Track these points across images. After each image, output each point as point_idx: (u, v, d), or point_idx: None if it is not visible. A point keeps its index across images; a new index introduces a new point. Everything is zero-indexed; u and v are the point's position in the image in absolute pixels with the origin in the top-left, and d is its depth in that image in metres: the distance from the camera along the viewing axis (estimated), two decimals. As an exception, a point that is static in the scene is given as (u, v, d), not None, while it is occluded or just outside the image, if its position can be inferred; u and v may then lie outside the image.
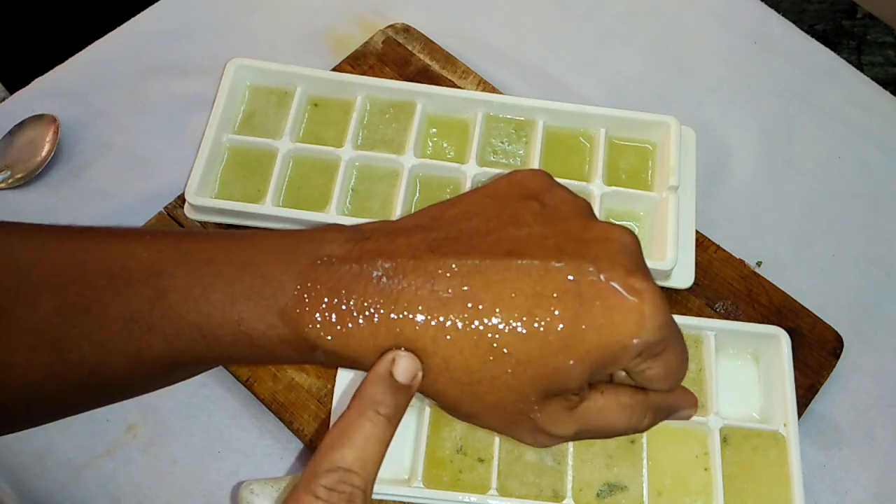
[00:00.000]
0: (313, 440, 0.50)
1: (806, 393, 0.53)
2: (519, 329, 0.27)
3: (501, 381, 0.28)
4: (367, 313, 0.28)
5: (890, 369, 0.56)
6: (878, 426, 0.54)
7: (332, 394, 0.49)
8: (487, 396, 0.28)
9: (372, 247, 0.29)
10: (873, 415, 0.54)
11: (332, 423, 0.48)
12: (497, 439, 0.48)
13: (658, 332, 0.27)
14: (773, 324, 0.52)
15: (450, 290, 0.27)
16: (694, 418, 0.49)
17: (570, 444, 0.48)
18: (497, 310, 0.27)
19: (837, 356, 0.54)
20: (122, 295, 0.29)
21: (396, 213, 0.54)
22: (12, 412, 0.31)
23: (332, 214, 0.54)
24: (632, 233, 0.29)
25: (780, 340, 0.51)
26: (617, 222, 0.56)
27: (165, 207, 0.58)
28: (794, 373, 0.50)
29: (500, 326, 0.27)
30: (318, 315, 0.28)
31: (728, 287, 0.57)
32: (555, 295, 0.27)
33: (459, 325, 0.27)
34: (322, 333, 0.28)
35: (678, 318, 0.51)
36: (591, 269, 0.27)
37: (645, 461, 0.48)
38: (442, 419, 0.49)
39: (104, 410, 0.52)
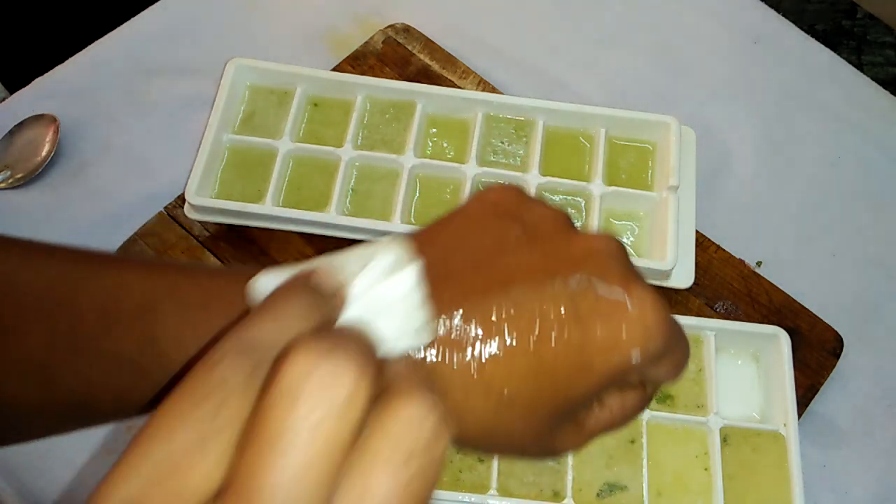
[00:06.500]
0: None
1: (806, 393, 0.53)
2: (525, 373, 0.26)
3: (518, 433, 0.27)
4: None
5: (890, 369, 0.56)
6: (878, 426, 0.54)
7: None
8: (504, 449, 0.28)
9: None
10: (873, 415, 0.54)
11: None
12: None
13: (663, 338, 0.27)
14: (773, 324, 0.52)
15: (453, 337, 0.26)
16: (694, 418, 0.49)
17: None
18: (500, 354, 0.26)
19: (837, 356, 0.54)
20: (112, 333, 0.28)
21: (396, 213, 0.54)
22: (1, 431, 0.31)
23: (332, 214, 0.54)
24: (615, 238, 0.29)
25: (780, 340, 0.51)
26: (616, 222, 0.56)
27: (165, 207, 0.58)
28: (794, 373, 0.50)
29: (506, 374, 0.26)
30: None
31: (728, 287, 0.57)
32: (554, 328, 0.26)
33: (465, 377, 0.26)
34: None
35: (678, 319, 0.51)
36: (585, 288, 0.26)
37: (645, 461, 0.48)
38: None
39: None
